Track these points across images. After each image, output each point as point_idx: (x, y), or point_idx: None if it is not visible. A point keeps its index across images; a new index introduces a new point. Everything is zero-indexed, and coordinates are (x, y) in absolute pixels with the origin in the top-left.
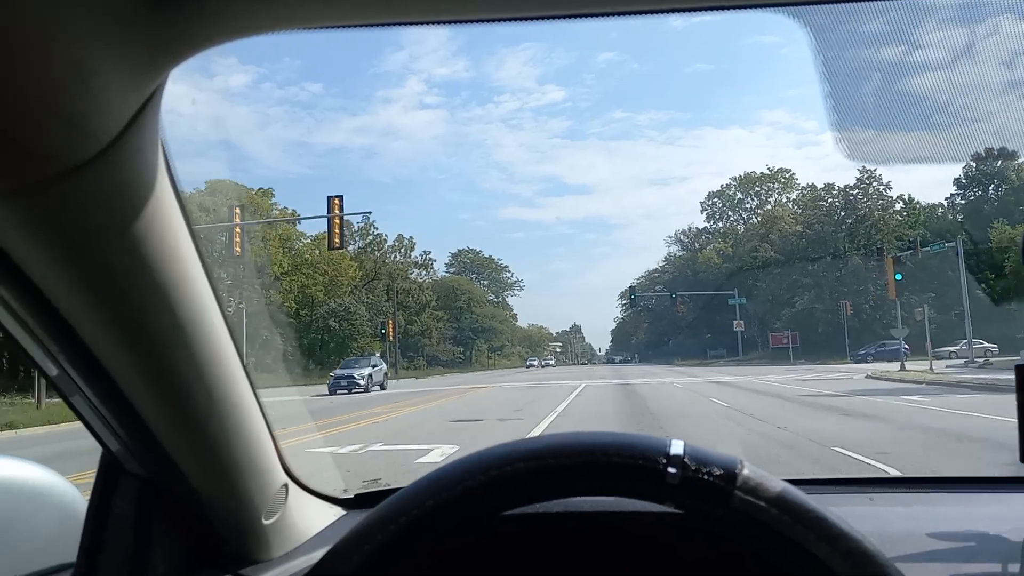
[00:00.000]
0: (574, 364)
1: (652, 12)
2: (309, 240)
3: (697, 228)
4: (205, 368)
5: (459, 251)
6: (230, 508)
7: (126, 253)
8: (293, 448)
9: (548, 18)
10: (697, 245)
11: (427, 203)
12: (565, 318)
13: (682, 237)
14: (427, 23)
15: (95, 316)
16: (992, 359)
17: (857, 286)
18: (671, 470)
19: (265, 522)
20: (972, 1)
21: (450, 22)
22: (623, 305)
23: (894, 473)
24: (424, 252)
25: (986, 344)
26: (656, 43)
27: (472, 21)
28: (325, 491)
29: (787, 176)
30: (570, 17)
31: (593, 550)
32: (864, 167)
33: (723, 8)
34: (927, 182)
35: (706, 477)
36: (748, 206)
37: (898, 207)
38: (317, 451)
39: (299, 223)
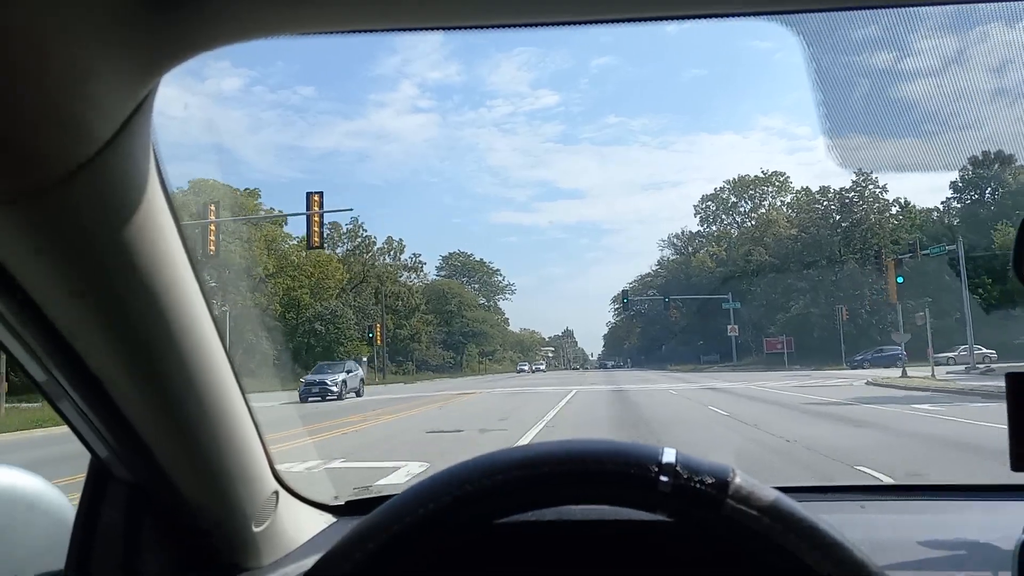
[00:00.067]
0: (566, 369)
1: (645, 20)
2: (295, 242)
3: (690, 231)
4: (195, 374)
5: (450, 254)
6: (220, 515)
7: (116, 258)
8: None
9: (542, 25)
10: (690, 249)
11: (420, 207)
12: (558, 323)
13: (675, 241)
14: (422, 29)
15: (84, 321)
16: (993, 365)
17: (853, 291)
18: (663, 478)
19: (255, 529)
20: (962, 9)
21: (445, 28)
22: (616, 309)
23: (887, 481)
24: (414, 255)
25: (984, 350)
26: (650, 48)
27: (467, 28)
28: (316, 498)
29: (781, 179)
30: (564, 24)
31: (585, 554)
32: (860, 170)
33: (716, 16)
34: (921, 187)
35: (698, 485)
36: (742, 209)
37: (894, 211)
38: None
39: (285, 224)
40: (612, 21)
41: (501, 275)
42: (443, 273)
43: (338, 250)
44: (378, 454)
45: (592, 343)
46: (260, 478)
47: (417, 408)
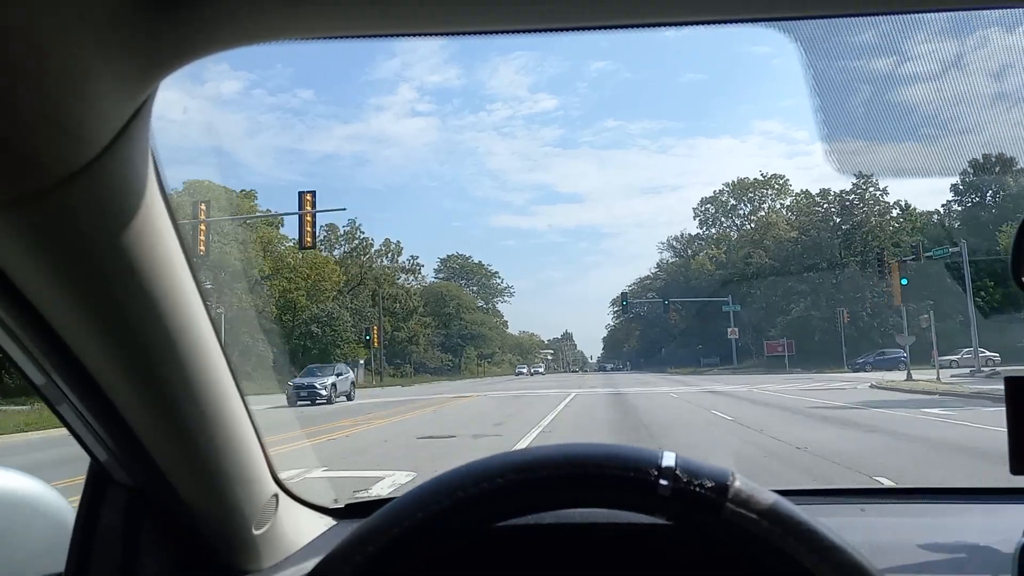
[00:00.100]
0: (565, 372)
1: (643, 26)
2: (292, 243)
3: (690, 234)
4: (194, 377)
5: (448, 256)
6: (220, 518)
7: (115, 261)
8: None
9: (541, 31)
10: (690, 251)
11: (419, 210)
12: (557, 326)
13: (675, 243)
14: (422, 35)
15: (83, 325)
16: (997, 368)
17: (854, 293)
18: (663, 482)
19: (255, 532)
20: (961, 14)
21: (445, 34)
22: (615, 312)
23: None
24: (412, 257)
25: (988, 353)
26: (648, 53)
27: (467, 33)
28: (315, 501)
29: (781, 182)
30: (562, 31)
31: (585, 558)
32: (860, 171)
33: (714, 23)
34: (922, 190)
35: (697, 489)
36: (741, 212)
37: (894, 213)
38: None
39: (282, 226)
40: (611, 27)
41: (500, 277)
42: (441, 275)
43: (335, 252)
44: (364, 462)
45: (591, 346)
46: (260, 481)
47: (411, 412)
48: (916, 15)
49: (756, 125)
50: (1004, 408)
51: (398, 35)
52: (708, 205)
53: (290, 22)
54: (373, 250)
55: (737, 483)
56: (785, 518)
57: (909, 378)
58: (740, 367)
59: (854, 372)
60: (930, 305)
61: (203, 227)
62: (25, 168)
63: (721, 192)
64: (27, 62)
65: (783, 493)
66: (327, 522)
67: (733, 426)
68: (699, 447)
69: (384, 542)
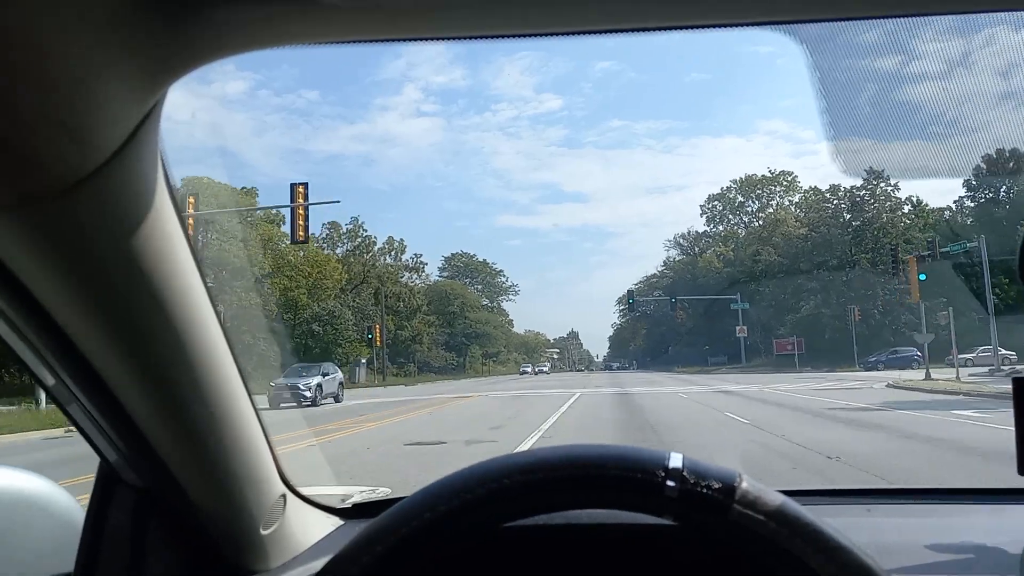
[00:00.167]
0: (571, 371)
1: (648, 30)
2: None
3: (697, 232)
4: (203, 379)
5: (452, 255)
6: (228, 518)
7: (125, 266)
8: None
9: (546, 35)
10: (697, 249)
11: (424, 210)
12: (563, 325)
13: (681, 241)
14: (429, 40)
15: (93, 328)
16: (1017, 366)
17: (865, 291)
18: (670, 483)
19: (263, 532)
20: (966, 12)
21: (452, 39)
22: (621, 311)
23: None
24: (415, 255)
25: (1004, 351)
26: (653, 53)
27: (473, 38)
28: (323, 501)
29: (789, 179)
30: (568, 35)
31: (593, 558)
32: (871, 168)
33: (719, 26)
34: (931, 188)
35: (705, 490)
36: (749, 209)
37: (906, 209)
38: None
39: (283, 224)
40: (615, 31)
41: (504, 276)
42: (446, 274)
43: (338, 250)
44: (337, 474)
45: (597, 345)
46: (268, 481)
47: (405, 414)
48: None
49: (761, 124)
50: None
51: (405, 40)
52: (716, 202)
53: (298, 27)
54: (376, 248)
55: (744, 484)
56: (792, 519)
57: (928, 377)
58: (749, 366)
59: (866, 371)
60: (943, 303)
61: (191, 221)
62: (36, 173)
63: (729, 189)
64: (36, 69)
65: (789, 493)
66: (335, 522)
67: (750, 430)
68: (715, 455)
69: (392, 542)
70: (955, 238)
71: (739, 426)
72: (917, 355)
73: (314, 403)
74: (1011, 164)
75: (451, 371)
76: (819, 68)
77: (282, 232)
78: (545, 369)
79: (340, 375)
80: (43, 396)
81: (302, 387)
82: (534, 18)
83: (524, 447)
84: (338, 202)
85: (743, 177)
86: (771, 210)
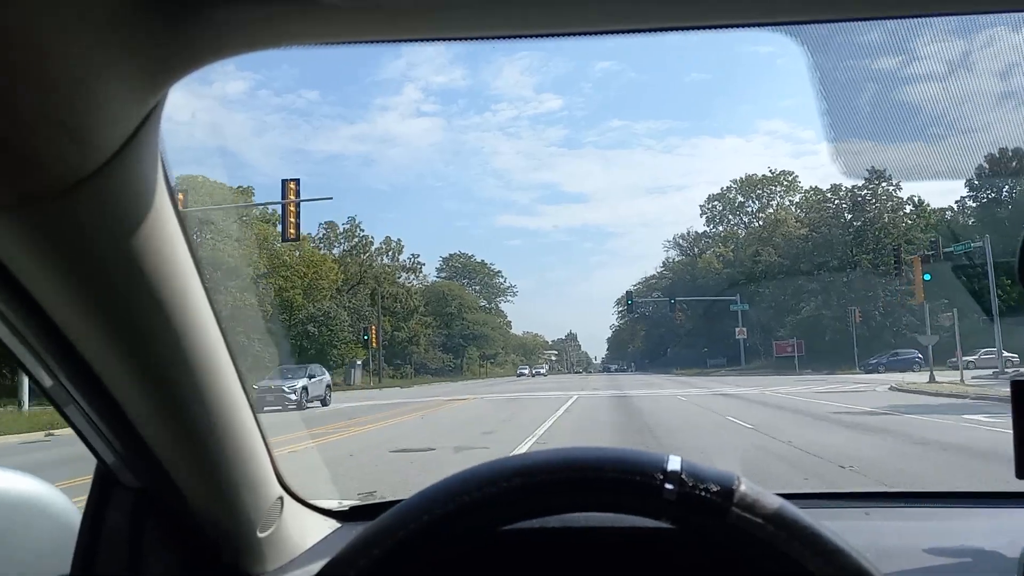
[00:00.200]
0: (569, 373)
1: (648, 31)
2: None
3: (697, 232)
4: (201, 381)
5: (450, 255)
6: (225, 520)
7: (125, 267)
8: None
9: (546, 36)
10: (696, 249)
11: (425, 211)
12: (561, 326)
13: (681, 241)
14: (428, 40)
15: (92, 329)
16: (1021, 369)
17: (866, 292)
18: (668, 486)
19: (260, 535)
20: (966, 13)
21: (452, 39)
22: (619, 312)
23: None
24: (412, 255)
25: (1007, 354)
26: (653, 53)
27: (474, 39)
28: (321, 504)
29: (790, 179)
30: (568, 36)
31: (591, 561)
32: (872, 167)
33: (719, 27)
34: (932, 189)
35: (703, 493)
36: (750, 210)
37: (908, 210)
38: None
39: (279, 223)
40: (616, 32)
41: (503, 277)
42: (443, 275)
43: (334, 250)
44: (311, 483)
45: (596, 346)
46: (265, 483)
47: (396, 418)
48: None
49: (761, 124)
50: None
51: (405, 41)
52: (715, 202)
53: (298, 28)
54: (373, 248)
55: (742, 487)
56: (790, 522)
57: (932, 380)
58: (748, 368)
59: (866, 373)
60: (945, 304)
61: None
62: (36, 173)
63: (729, 189)
64: (37, 69)
65: (787, 497)
66: (332, 525)
67: (754, 435)
68: (718, 462)
69: (389, 545)
70: (956, 239)
71: (742, 431)
72: (918, 357)
73: (299, 406)
74: (1014, 164)
75: (448, 373)
76: (820, 69)
77: (277, 232)
78: (542, 371)
79: (328, 377)
80: (27, 398)
81: (286, 390)
82: (534, 19)
83: (517, 453)
84: (330, 199)
85: (743, 177)
86: (771, 210)
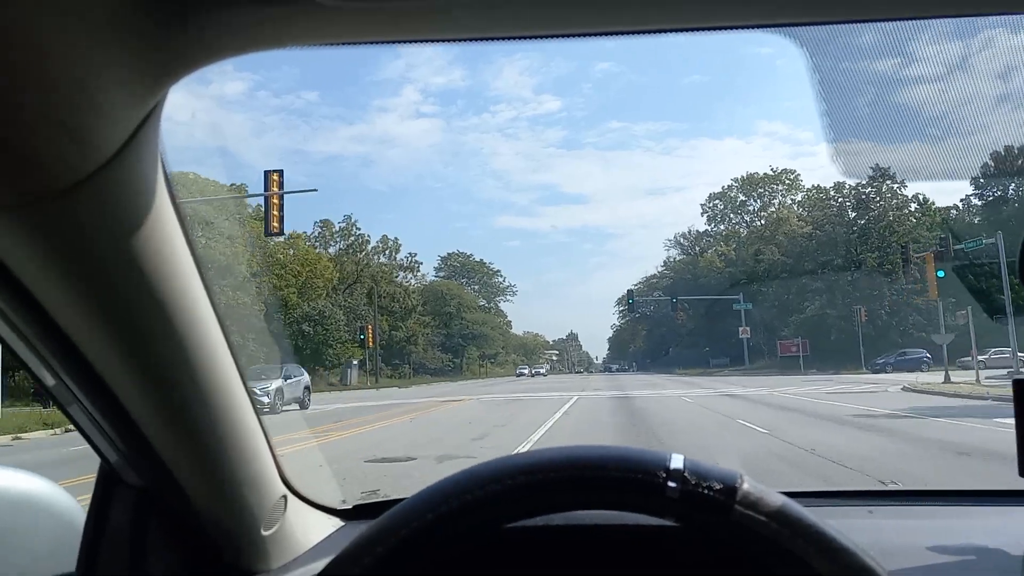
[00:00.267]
0: (569, 373)
1: (648, 32)
2: (283, 239)
3: (698, 231)
4: (203, 379)
5: (449, 254)
6: (228, 519)
7: (126, 267)
8: None
9: (546, 38)
10: (698, 248)
11: (424, 211)
12: (562, 326)
13: (682, 240)
14: (428, 41)
15: (94, 328)
16: None
17: (871, 291)
18: (671, 484)
19: (264, 533)
20: (965, 16)
21: (452, 40)
22: (620, 312)
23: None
24: (410, 254)
25: (1021, 354)
26: (653, 54)
27: (473, 40)
28: (324, 502)
29: (792, 177)
30: (568, 37)
31: (595, 559)
32: (877, 164)
33: (719, 29)
34: (935, 188)
35: (706, 491)
36: (751, 208)
37: (912, 207)
38: None
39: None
40: (616, 33)
41: (502, 276)
42: (442, 274)
43: (330, 249)
44: None
45: (596, 346)
46: (268, 482)
47: (383, 421)
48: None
49: (760, 126)
50: None
51: (406, 42)
52: (716, 201)
53: (298, 29)
54: (370, 247)
55: (745, 485)
56: (794, 520)
57: (947, 380)
58: (752, 368)
59: (873, 373)
60: (952, 303)
61: None
62: (37, 173)
63: (730, 188)
64: (37, 69)
65: (791, 495)
66: (335, 523)
67: (769, 441)
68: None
69: (393, 543)
70: (957, 238)
71: (755, 436)
72: (926, 357)
73: (273, 410)
74: (1020, 162)
75: (447, 373)
76: (819, 70)
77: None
78: (542, 371)
79: (306, 378)
80: None
81: (258, 392)
82: (534, 20)
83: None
84: (315, 191)
85: (745, 175)
86: (773, 209)
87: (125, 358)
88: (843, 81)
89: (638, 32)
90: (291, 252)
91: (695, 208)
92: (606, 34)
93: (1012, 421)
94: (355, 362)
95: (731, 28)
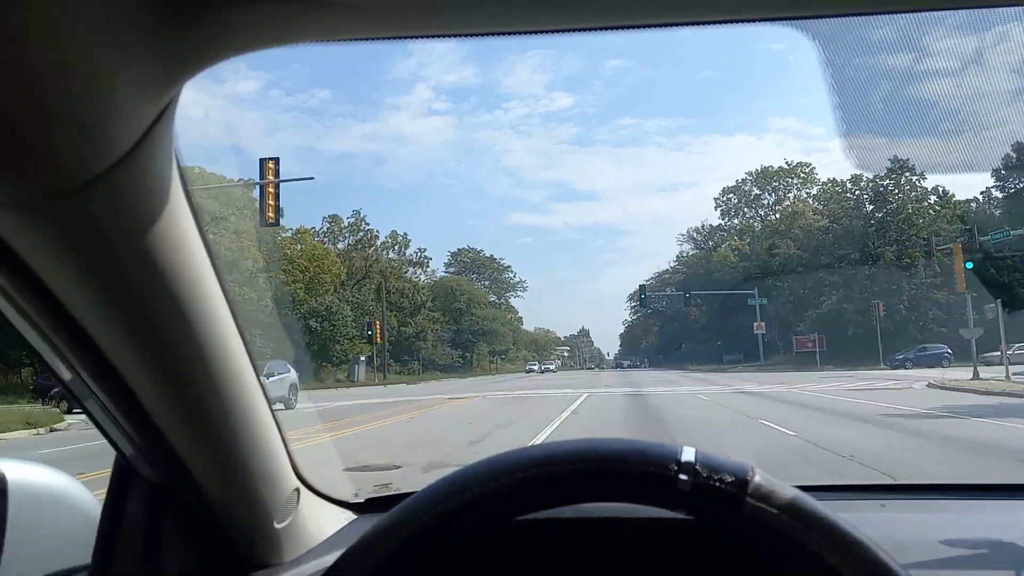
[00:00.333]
0: (580, 369)
1: (659, 26)
2: (289, 233)
3: (711, 225)
4: (218, 374)
5: (459, 250)
6: (242, 512)
7: (141, 263)
8: None
9: (557, 32)
10: (711, 243)
11: (436, 209)
12: (574, 322)
13: (695, 235)
14: (441, 36)
15: (110, 324)
16: None
17: (890, 285)
18: (683, 477)
19: (277, 526)
20: (980, 10)
21: (464, 35)
22: (632, 307)
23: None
24: (419, 249)
25: None
26: (664, 50)
27: (485, 35)
28: (336, 496)
29: (807, 171)
30: (578, 31)
31: (605, 552)
32: (895, 156)
33: (731, 22)
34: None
35: (718, 484)
36: (765, 202)
37: (932, 200)
38: None
39: (282, 217)
40: (626, 28)
41: (512, 272)
42: (452, 270)
43: (339, 244)
44: None
45: (608, 343)
46: (282, 475)
47: (382, 420)
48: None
49: (772, 122)
50: None
51: (417, 37)
52: (730, 195)
53: (311, 25)
54: (379, 242)
55: (757, 478)
56: (807, 513)
57: (976, 377)
58: (767, 364)
59: (892, 369)
60: (974, 296)
61: None
62: (51, 172)
63: (744, 181)
64: (50, 69)
65: (802, 488)
66: (348, 516)
67: (798, 445)
68: None
69: (405, 536)
70: (969, 230)
71: (781, 438)
72: (947, 352)
73: None
74: None
75: (457, 369)
76: (832, 64)
77: (280, 225)
78: (552, 367)
79: (293, 375)
80: None
81: None
82: (545, 14)
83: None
84: (312, 179)
85: (759, 169)
86: (788, 203)
87: (140, 353)
88: (856, 75)
89: (649, 26)
90: (298, 247)
91: (707, 204)
92: (616, 28)
93: None
94: (362, 358)
95: (743, 21)
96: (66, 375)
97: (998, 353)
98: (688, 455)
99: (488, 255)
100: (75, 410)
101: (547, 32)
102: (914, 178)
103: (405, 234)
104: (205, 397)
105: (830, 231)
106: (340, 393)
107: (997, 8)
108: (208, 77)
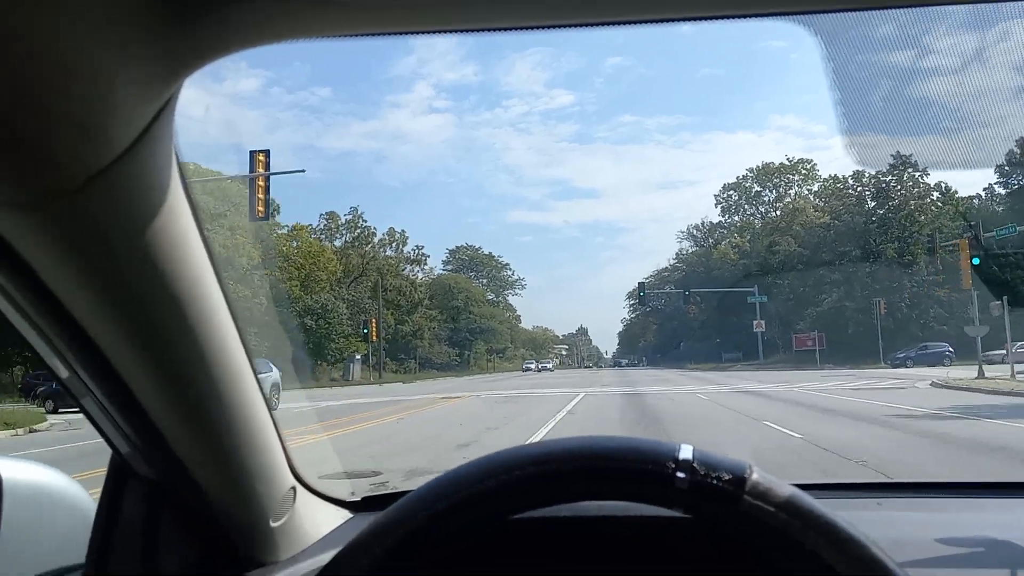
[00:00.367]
0: (578, 367)
1: (660, 21)
2: (284, 231)
3: (711, 222)
4: (215, 373)
5: (457, 247)
6: (238, 510)
7: (140, 261)
8: None
9: (557, 27)
10: (711, 240)
11: (436, 207)
12: (572, 321)
13: (695, 232)
14: (441, 32)
15: (108, 322)
16: None
17: (891, 283)
18: (680, 475)
19: (273, 524)
20: (982, 7)
21: (464, 31)
22: (631, 305)
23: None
24: (416, 247)
25: None
26: (665, 48)
27: (485, 30)
28: (333, 494)
29: (808, 167)
30: (579, 27)
31: (602, 550)
32: (898, 152)
33: (731, 17)
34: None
35: (715, 482)
36: (766, 199)
37: (934, 196)
38: None
39: (278, 213)
40: (627, 23)
41: (511, 269)
42: (450, 267)
43: (336, 242)
44: None
45: (607, 341)
46: (278, 474)
47: (369, 421)
48: (936, 7)
49: (773, 120)
50: None
51: (417, 32)
52: (731, 192)
53: (311, 21)
54: (376, 240)
55: (755, 476)
56: (804, 511)
57: (981, 375)
58: (766, 362)
59: (893, 367)
60: (976, 294)
61: None
62: (50, 171)
63: (745, 178)
64: (49, 66)
65: (800, 486)
66: (344, 515)
67: (807, 449)
68: None
69: (402, 534)
70: (987, 228)
71: (787, 441)
72: (949, 351)
73: None
74: None
75: (454, 367)
76: (833, 60)
77: (274, 221)
78: (549, 366)
79: (275, 375)
80: None
81: None
82: (545, 10)
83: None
84: (303, 171)
85: (759, 166)
86: (789, 199)
87: (139, 351)
88: (857, 72)
89: (649, 21)
90: (294, 244)
91: (708, 202)
92: (616, 23)
93: None
94: (358, 356)
95: (744, 16)
96: (63, 373)
97: (1000, 352)
98: (686, 453)
99: (486, 252)
100: (60, 410)
101: (546, 27)
102: (917, 174)
103: (403, 231)
104: (203, 396)
105: (831, 228)
106: (333, 392)
107: (999, 4)
108: (208, 75)
